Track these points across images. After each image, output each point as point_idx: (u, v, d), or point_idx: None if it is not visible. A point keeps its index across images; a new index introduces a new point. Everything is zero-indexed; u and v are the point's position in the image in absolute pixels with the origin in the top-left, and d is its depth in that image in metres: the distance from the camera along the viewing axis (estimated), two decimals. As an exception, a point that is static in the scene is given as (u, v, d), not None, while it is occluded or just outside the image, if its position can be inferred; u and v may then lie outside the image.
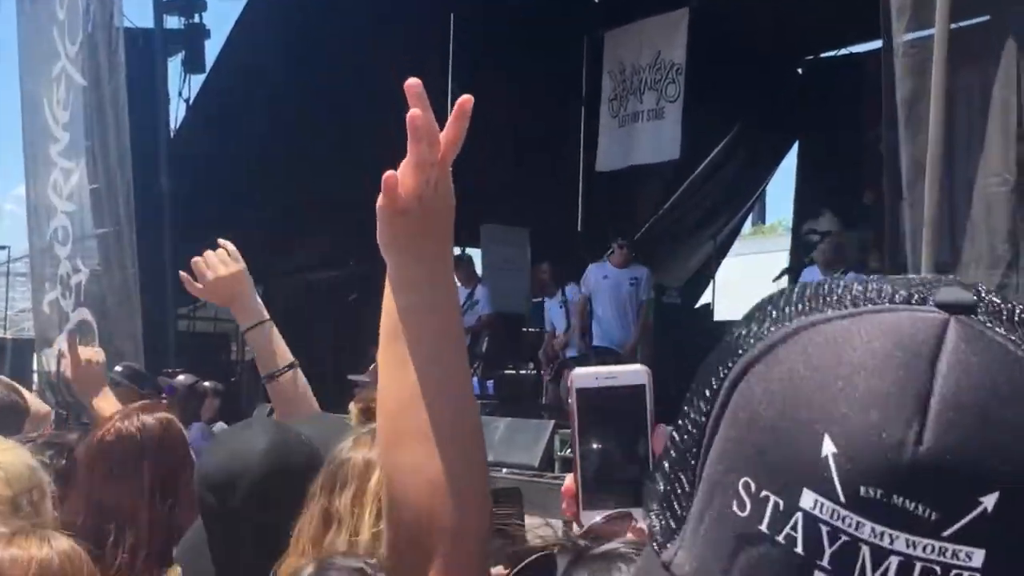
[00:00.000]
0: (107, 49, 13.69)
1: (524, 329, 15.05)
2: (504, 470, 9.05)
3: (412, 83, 1.50)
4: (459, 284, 13.86)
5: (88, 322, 14.21)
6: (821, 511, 0.68)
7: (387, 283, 1.55)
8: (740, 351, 0.76)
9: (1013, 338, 0.71)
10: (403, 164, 1.53)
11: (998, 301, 0.74)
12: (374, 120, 15.75)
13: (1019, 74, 5.89)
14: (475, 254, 16.94)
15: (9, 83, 16.17)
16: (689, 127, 14.12)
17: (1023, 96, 5.84)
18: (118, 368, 8.96)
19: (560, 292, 13.26)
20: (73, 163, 14.64)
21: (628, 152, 14.70)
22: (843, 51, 16.45)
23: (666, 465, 0.80)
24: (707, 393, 0.77)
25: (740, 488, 0.72)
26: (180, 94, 15.97)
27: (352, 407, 7.44)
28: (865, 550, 0.68)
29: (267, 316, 3.40)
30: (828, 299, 0.76)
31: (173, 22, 16.00)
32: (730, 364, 0.76)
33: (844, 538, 0.68)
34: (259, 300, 3.49)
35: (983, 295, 0.74)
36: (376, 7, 14.97)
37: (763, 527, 0.70)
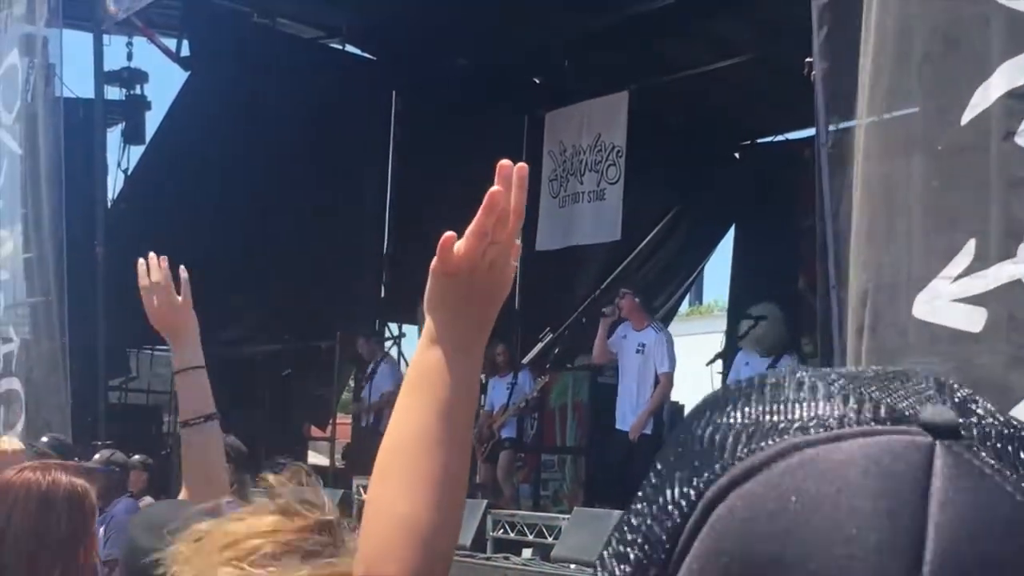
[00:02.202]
0: (46, 118, 13.63)
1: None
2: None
3: (506, 164, 1.59)
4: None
5: (16, 391, 14.01)
6: None
7: (421, 340, 1.64)
8: (718, 465, 0.69)
9: (1000, 467, 0.66)
10: (467, 232, 1.60)
11: (981, 413, 0.69)
12: (314, 197, 15.86)
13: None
14: (412, 332, 16.91)
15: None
16: (628, 208, 14.23)
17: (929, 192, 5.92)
18: (44, 439, 8.82)
19: (511, 374, 13.15)
20: (7, 231, 14.51)
21: (568, 232, 14.78)
22: (780, 137, 16.69)
23: (621, 551, 0.72)
24: (675, 507, 0.69)
25: None
26: (119, 164, 15.94)
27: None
28: None
29: (203, 363, 3.36)
30: (807, 410, 0.69)
31: (114, 93, 16.01)
32: (705, 478, 0.68)
33: None
34: (199, 346, 3.44)
35: (967, 407, 0.69)
36: (319, 85, 15.03)
37: None
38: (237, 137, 15.03)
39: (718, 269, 37.48)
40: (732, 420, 0.71)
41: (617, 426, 11.66)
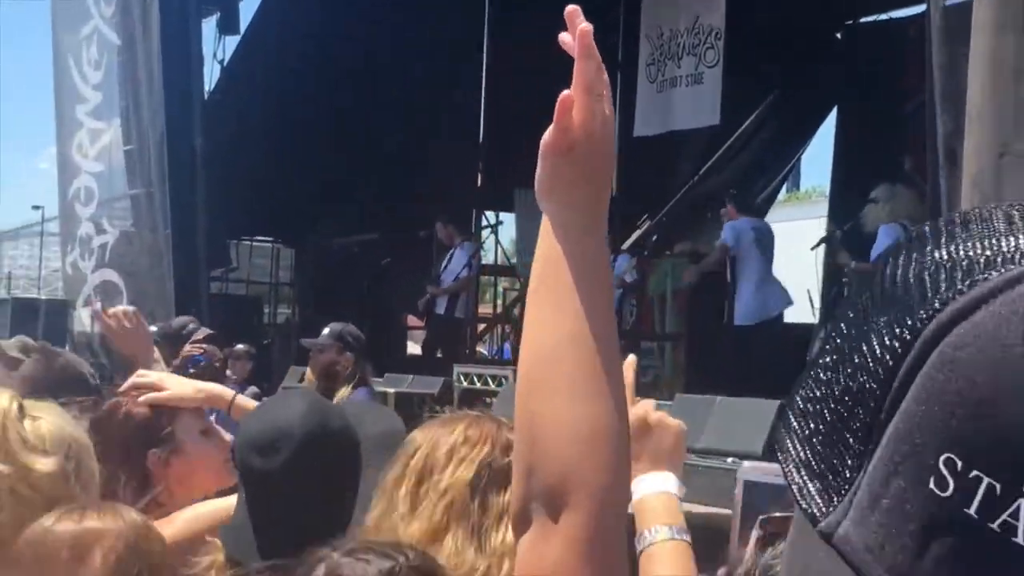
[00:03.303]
0: (141, 9, 13.68)
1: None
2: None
3: (574, 9, 1.45)
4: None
5: (113, 283, 14.23)
6: None
7: (542, 228, 1.50)
8: (937, 301, 0.65)
9: None
10: (573, 88, 1.47)
11: None
12: (410, 87, 15.80)
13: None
14: (509, 219, 16.90)
15: (48, 41, 16.23)
16: (727, 92, 13.99)
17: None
18: (153, 328, 8.87)
19: (611, 259, 13.12)
20: (104, 124, 14.66)
21: (666, 117, 14.59)
22: (884, 16, 16.25)
23: (815, 408, 0.69)
24: (890, 342, 0.65)
25: (941, 464, 0.62)
26: (214, 55, 15.94)
27: (308, 373, 7.32)
28: None
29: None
30: None
31: (208, -18, 15.96)
32: (921, 316, 0.65)
33: None
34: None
35: None
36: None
37: (971, 511, 0.61)
38: (331, 27, 14.98)
39: (817, 154, 37.04)
40: (940, 256, 0.68)
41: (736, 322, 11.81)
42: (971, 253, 0.66)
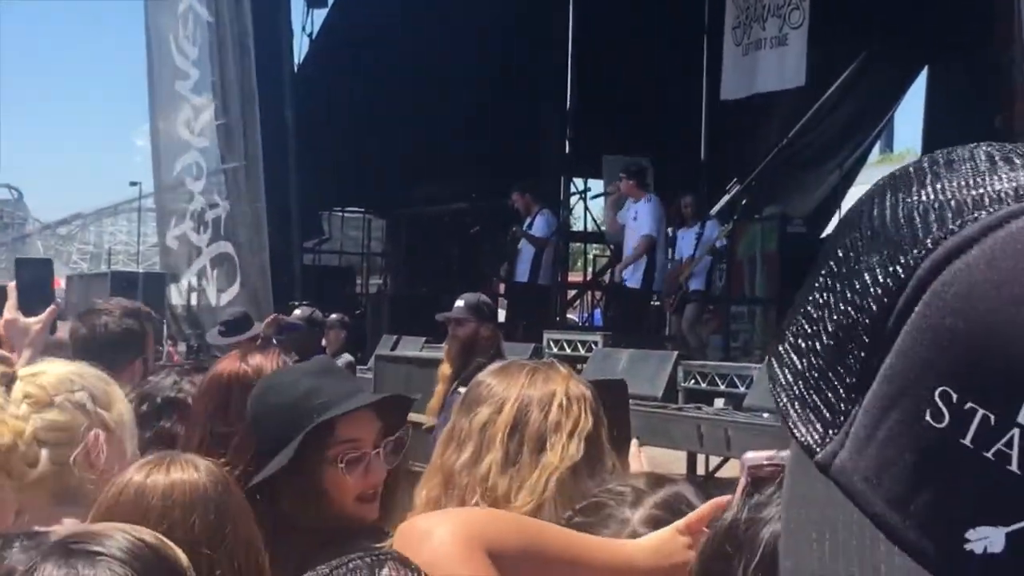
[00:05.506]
0: (232, -14, 13.85)
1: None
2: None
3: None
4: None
5: (228, 254, 14.43)
6: None
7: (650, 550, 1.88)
8: (929, 240, 0.67)
9: None
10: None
11: None
12: (498, 56, 15.84)
13: None
14: (597, 186, 16.90)
15: (140, 20, 16.42)
16: (814, 54, 13.85)
17: None
18: (220, 328, 8.98)
19: (699, 224, 13.10)
20: (204, 98, 14.86)
21: (752, 80, 14.48)
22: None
23: (807, 344, 0.71)
24: (883, 279, 0.67)
25: (936, 397, 0.64)
26: (303, 29, 16.11)
27: (445, 347, 7.26)
28: None
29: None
30: (1011, 180, 0.68)
31: (296, -44, 16.11)
32: (914, 255, 0.67)
33: None
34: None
35: None
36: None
37: (966, 441, 0.63)
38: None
39: (910, 115, 36.48)
40: (928, 196, 0.70)
41: None
42: (959, 194, 0.68)
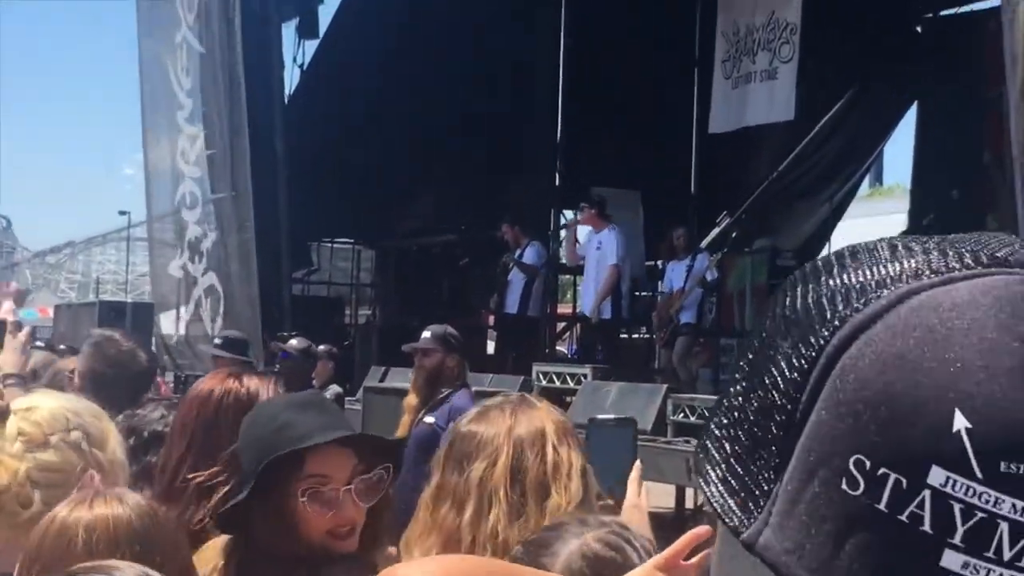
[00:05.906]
0: (223, 16, 13.85)
1: (637, 293, 14.98)
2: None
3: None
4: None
5: (214, 286, 14.44)
6: (954, 488, 0.65)
7: None
8: (836, 319, 0.71)
9: None
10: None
11: None
12: (486, 88, 15.88)
13: None
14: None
15: (133, 46, 16.44)
16: (804, 88, 13.91)
17: None
18: (217, 341, 9.02)
19: (689, 258, 13.07)
20: (196, 128, 14.87)
21: (741, 113, 14.52)
22: (963, 9, 16.07)
23: (729, 432, 0.74)
24: (796, 361, 0.71)
25: (851, 466, 0.67)
26: (294, 59, 16.12)
27: (411, 376, 7.26)
28: (1004, 526, 0.65)
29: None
30: (911, 263, 0.72)
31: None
32: (824, 334, 0.70)
33: (980, 515, 0.65)
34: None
35: None
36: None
37: (881, 506, 0.67)
38: (409, 31, 15.08)
39: (900, 148, 36.60)
40: (835, 283, 0.73)
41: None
42: (862, 278, 0.72)
